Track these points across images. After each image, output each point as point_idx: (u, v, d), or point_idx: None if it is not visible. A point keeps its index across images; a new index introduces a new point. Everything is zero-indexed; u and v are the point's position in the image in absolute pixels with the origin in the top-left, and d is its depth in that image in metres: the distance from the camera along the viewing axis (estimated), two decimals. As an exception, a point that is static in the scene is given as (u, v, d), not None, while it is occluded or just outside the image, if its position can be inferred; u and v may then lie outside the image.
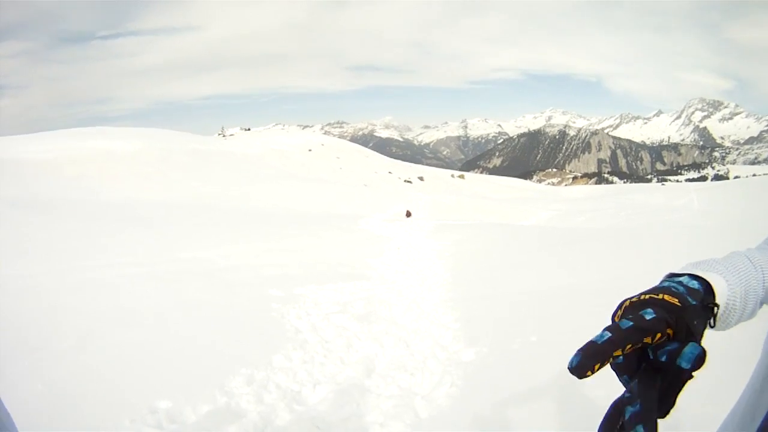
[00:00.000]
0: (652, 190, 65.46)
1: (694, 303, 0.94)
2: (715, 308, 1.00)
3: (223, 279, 9.18)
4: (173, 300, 7.57)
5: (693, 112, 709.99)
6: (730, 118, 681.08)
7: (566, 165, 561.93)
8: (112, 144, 39.46)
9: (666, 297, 0.92)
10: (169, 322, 6.59)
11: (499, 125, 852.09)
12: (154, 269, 9.40)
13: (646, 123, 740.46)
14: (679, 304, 0.91)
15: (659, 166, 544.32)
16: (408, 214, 30.78)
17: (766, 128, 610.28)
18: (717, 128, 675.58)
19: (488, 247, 14.88)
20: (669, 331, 0.88)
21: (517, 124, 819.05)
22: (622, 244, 13.83)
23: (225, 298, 7.98)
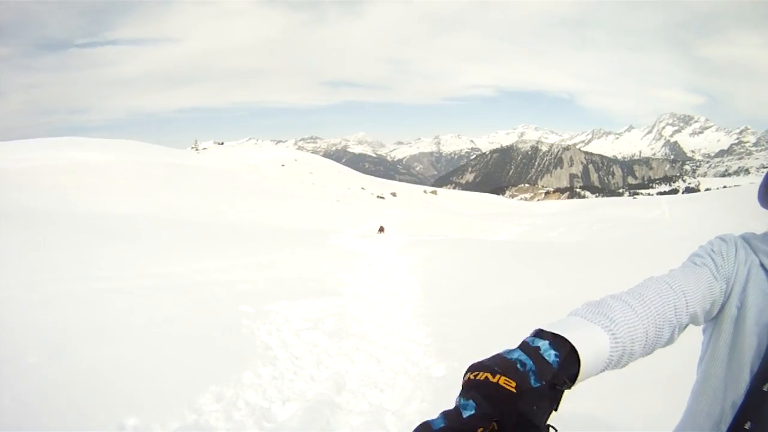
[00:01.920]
0: (624, 203, 66.40)
1: (537, 385, 0.89)
2: (564, 389, 0.94)
3: (195, 294, 9.10)
4: (144, 315, 7.48)
5: (664, 127, 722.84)
6: (701, 132, 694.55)
7: (539, 180, 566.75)
8: (87, 155, 39.09)
9: (502, 380, 0.88)
10: (139, 338, 6.51)
11: (472, 141, 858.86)
12: (125, 284, 9.29)
13: (617, 138, 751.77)
14: (514, 390, 0.87)
15: (631, 180, 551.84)
16: (381, 230, 30.83)
17: (735, 141, 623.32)
18: (688, 142, 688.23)
19: (460, 262, 14.97)
20: (494, 425, 0.86)
21: (489, 140, 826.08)
22: (595, 257, 14.02)
23: (196, 313, 7.90)
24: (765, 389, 1.32)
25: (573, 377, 0.97)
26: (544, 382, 0.90)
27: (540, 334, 1.01)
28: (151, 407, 4.75)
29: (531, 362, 0.91)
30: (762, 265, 1.46)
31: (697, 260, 1.49)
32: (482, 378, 0.89)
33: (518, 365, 0.91)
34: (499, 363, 0.92)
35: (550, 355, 0.94)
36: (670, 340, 1.30)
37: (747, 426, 1.34)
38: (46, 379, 5.00)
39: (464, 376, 0.93)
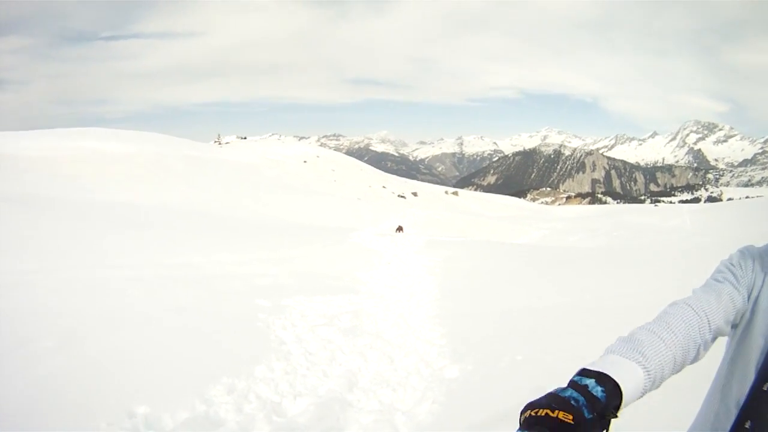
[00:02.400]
0: (645, 211, 65.75)
1: (590, 417, 1.05)
2: (611, 418, 1.10)
3: (212, 286, 9.14)
4: (159, 305, 7.51)
5: (688, 134, 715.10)
6: (725, 141, 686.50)
7: (560, 184, 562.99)
8: (107, 145, 39.46)
9: (561, 414, 1.03)
10: (153, 327, 6.53)
11: (495, 143, 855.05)
12: (142, 273, 9.34)
13: (641, 144, 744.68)
14: (572, 422, 1.02)
15: (653, 188, 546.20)
16: (399, 229, 30.76)
17: (760, 151, 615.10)
18: (711, 150, 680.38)
19: (478, 265, 14.89)
20: None
21: (512, 143, 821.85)
22: (612, 264, 13.88)
23: (212, 305, 7.93)
24: (765, 389, 1.38)
25: (617, 407, 1.13)
26: (595, 414, 1.06)
27: (585, 373, 1.17)
28: (161, 396, 4.75)
29: (582, 398, 1.07)
30: None
31: (719, 276, 1.57)
32: (543, 414, 1.03)
33: (572, 401, 1.06)
34: (555, 400, 1.06)
35: (598, 391, 1.10)
36: (696, 358, 1.41)
37: (747, 425, 1.39)
38: (59, 364, 5.02)
39: (522, 414, 1.07)
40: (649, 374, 1.25)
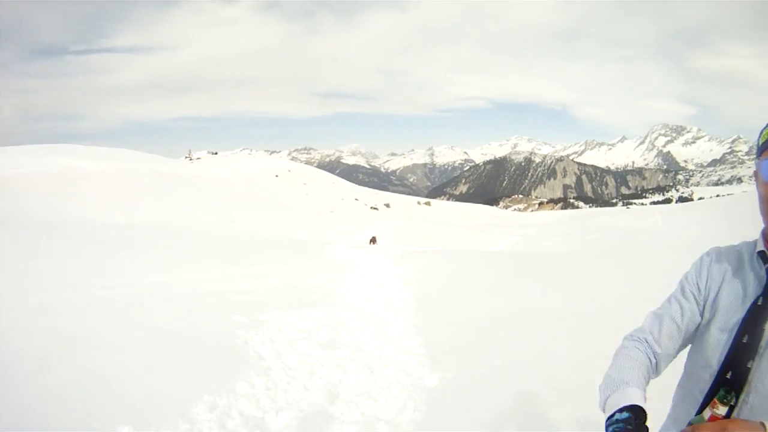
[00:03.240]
0: (617, 213, 66.50)
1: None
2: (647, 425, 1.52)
3: (188, 304, 9.08)
4: (136, 324, 7.46)
5: (656, 138, 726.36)
6: (693, 142, 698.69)
7: (532, 191, 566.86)
8: (79, 162, 39.00)
9: None
10: (131, 347, 6.49)
11: (466, 153, 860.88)
12: (117, 292, 9.26)
13: (610, 149, 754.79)
14: None
15: (624, 191, 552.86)
16: (373, 241, 30.82)
17: (728, 150, 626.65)
18: (680, 152, 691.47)
19: (454, 273, 14.97)
20: None
21: (483, 152, 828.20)
22: (587, 268, 14.05)
23: (189, 323, 7.89)
24: (728, 377, 1.60)
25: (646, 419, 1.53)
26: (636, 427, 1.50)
27: (620, 410, 1.55)
28: (144, 416, 4.74)
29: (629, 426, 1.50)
30: (736, 272, 1.75)
31: (672, 297, 1.86)
32: None
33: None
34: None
35: (625, 416, 1.53)
36: (657, 373, 1.82)
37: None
38: (40, 387, 4.99)
39: None
40: (645, 394, 1.66)
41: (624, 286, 10.12)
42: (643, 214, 52.10)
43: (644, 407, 1.55)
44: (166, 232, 21.50)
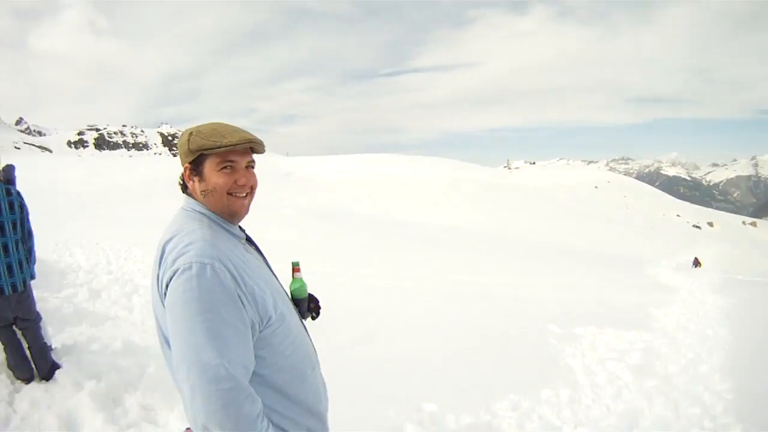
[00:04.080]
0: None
1: None
2: None
3: (505, 306, 9.49)
4: (454, 316, 8.06)
5: None
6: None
7: None
8: (401, 170, 42.32)
9: None
10: (447, 335, 7.03)
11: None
12: (437, 286, 10.06)
13: None
14: None
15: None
16: (696, 263, 28.63)
17: None
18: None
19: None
20: None
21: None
22: None
23: (505, 324, 8.29)
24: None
25: None
26: None
27: None
28: (448, 399, 5.12)
29: None
30: (238, 267, 1.71)
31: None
32: None
33: None
34: None
35: None
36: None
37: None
38: (357, 356, 5.65)
39: None
40: None
41: None
42: None
43: None
44: (482, 236, 22.49)
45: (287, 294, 2.06)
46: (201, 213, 1.87)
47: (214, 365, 1.51)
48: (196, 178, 1.87)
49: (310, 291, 2.26)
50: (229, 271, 1.66)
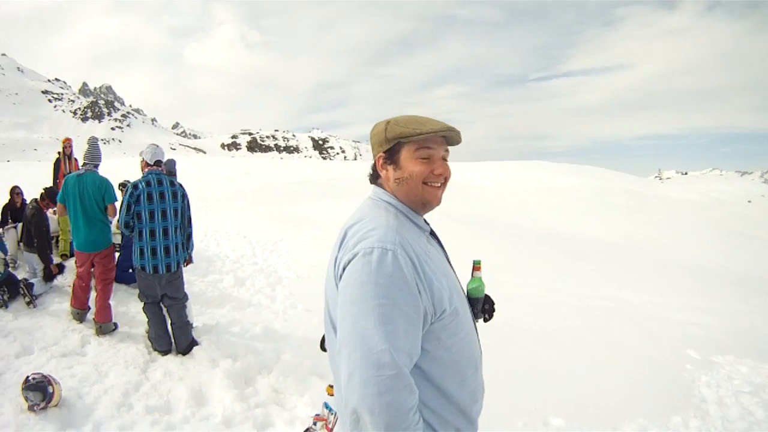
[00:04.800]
0: None
1: None
2: None
3: (643, 325, 9.32)
4: (589, 331, 8.03)
5: None
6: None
7: None
8: (551, 177, 41.35)
9: None
10: (584, 351, 7.05)
11: None
12: (579, 300, 9.97)
13: None
14: None
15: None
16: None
17: None
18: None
19: None
20: None
21: None
22: None
23: (642, 344, 8.22)
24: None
25: None
26: None
27: None
28: (576, 415, 5.18)
29: None
30: (420, 257, 1.73)
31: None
32: None
33: None
34: None
35: None
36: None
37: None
38: (491, 362, 5.64)
39: None
40: None
41: None
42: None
43: None
44: (630, 250, 21.67)
45: (464, 291, 2.05)
46: (387, 202, 1.91)
47: (380, 350, 1.52)
48: (390, 167, 1.92)
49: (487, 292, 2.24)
50: (411, 259, 1.67)
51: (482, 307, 2.21)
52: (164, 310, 5.73)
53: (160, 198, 5.51)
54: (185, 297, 5.85)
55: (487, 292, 2.19)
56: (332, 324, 1.80)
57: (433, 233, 2.03)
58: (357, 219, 1.82)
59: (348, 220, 1.88)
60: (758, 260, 25.21)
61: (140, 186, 5.48)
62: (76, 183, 6.09)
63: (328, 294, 1.84)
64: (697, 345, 8.57)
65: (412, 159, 1.87)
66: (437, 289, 1.70)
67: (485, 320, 2.25)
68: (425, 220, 2.00)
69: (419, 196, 1.90)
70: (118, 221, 5.64)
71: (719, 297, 13.81)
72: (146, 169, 5.73)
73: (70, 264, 7.68)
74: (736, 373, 7.68)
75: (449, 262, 2.03)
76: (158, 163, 5.76)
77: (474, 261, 2.24)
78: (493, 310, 2.25)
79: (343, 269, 1.69)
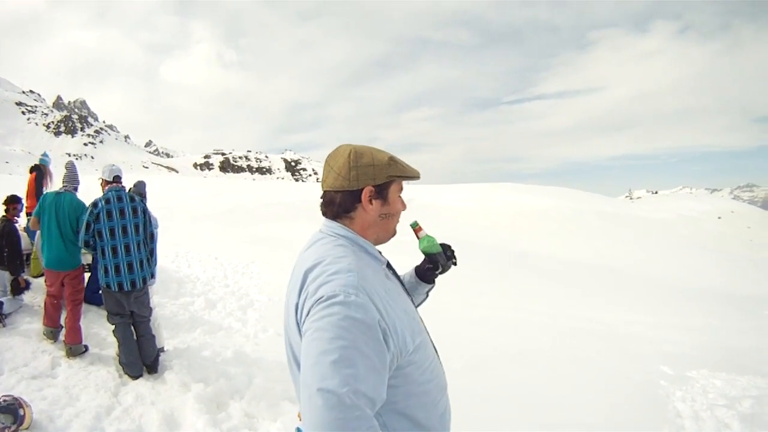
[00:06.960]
0: None
1: None
2: None
3: (618, 344, 9.44)
4: (564, 351, 8.08)
5: None
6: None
7: None
8: (522, 199, 41.82)
9: None
10: (558, 371, 7.12)
11: None
12: (552, 321, 10.02)
13: None
14: None
15: None
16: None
17: None
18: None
19: None
20: None
21: None
22: None
23: (616, 361, 8.33)
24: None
25: None
26: None
27: None
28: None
29: None
30: (382, 299, 1.71)
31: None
32: None
33: None
34: None
35: None
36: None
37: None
38: (468, 382, 5.65)
39: None
40: None
41: None
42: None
43: None
44: (603, 270, 21.92)
45: (421, 320, 2.00)
46: (345, 237, 1.89)
47: (340, 393, 1.47)
48: (378, 201, 1.92)
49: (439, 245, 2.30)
50: (374, 304, 1.64)
51: (446, 255, 2.29)
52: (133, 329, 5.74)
53: (120, 214, 5.55)
54: (150, 312, 5.88)
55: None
56: (296, 363, 1.77)
57: (389, 264, 2.02)
58: (316, 260, 1.78)
59: (305, 260, 1.83)
60: (729, 275, 25.59)
61: (99, 204, 5.53)
62: (54, 200, 6.13)
63: (291, 339, 1.82)
64: (671, 361, 8.66)
65: (398, 197, 1.96)
66: (400, 330, 1.70)
67: (454, 264, 2.32)
68: (380, 252, 1.98)
69: (391, 232, 1.98)
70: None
71: (692, 313, 13.99)
72: (106, 188, 5.79)
73: (39, 282, 7.59)
74: (710, 386, 7.77)
75: (406, 291, 2.04)
76: (117, 179, 5.83)
77: (411, 225, 2.31)
78: (454, 253, 2.34)
79: (307, 314, 1.65)
